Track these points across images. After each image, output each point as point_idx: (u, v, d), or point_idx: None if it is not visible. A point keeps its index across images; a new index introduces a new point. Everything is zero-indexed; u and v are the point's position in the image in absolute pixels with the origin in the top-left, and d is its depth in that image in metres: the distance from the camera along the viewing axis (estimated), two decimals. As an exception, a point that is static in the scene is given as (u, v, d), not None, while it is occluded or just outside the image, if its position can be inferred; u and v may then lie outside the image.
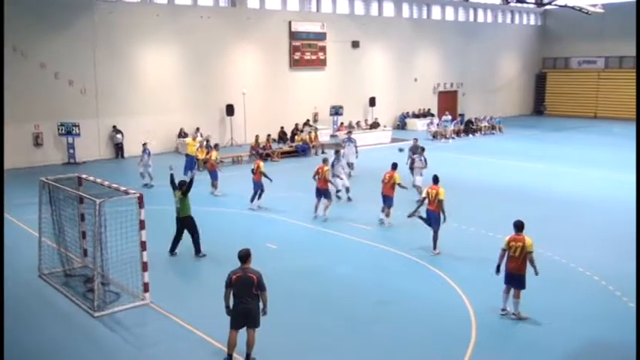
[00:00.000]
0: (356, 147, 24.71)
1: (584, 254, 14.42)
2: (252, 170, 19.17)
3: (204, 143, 26.85)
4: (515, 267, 10.72)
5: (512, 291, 10.87)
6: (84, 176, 13.34)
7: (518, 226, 10.78)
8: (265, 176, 18.91)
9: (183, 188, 14.03)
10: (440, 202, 14.11)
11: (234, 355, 9.17)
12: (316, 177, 17.77)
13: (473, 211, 18.40)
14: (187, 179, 15.03)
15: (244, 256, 8.93)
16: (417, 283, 12.72)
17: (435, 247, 14.35)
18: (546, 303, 11.44)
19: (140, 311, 11.34)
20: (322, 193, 17.63)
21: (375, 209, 17.78)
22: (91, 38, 29.05)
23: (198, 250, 14.07)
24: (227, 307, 9.00)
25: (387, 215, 16.98)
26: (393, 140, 35.24)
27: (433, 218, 14.28)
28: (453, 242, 15.73)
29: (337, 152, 20.62)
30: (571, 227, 17.19)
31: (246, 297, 8.81)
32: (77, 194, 12.71)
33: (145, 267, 11.53)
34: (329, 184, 17.70)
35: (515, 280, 10.78)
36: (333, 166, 19.29)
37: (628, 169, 26.00)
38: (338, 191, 19.79)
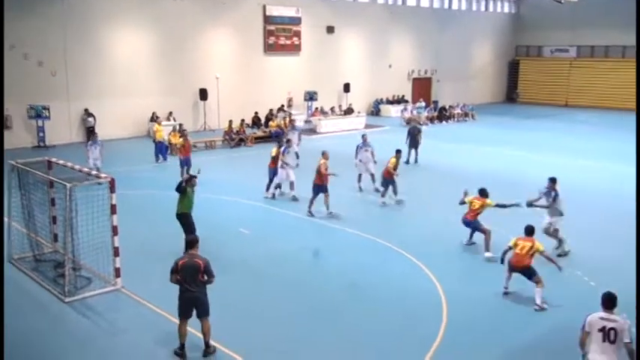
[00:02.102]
0: (300, 135, 25.18)
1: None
2: (272, 157, 18.45)
3: (177, 127, 26.60)
4: (519, 261, 10.94)
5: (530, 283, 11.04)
6: (54, 160, 13.13)
7: (529, 231, 11.09)
8: (285, 164, 18.23)
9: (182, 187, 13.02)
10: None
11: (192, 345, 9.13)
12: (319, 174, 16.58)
13: (445, 197, 18.56)
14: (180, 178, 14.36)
15: (191, 242, 8.92)
16: (389, 268, 12.83)
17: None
18: (520, 286, 11.58)
19: (111, 296, 11.28)
20: (320, 188, 16.56)
21: (346, 194, 17.91)
22: (62, 19, 28.49)
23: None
24: None
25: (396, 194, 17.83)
26: (367, 126, 35.36)
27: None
28: (426, 228, 15.90)
29: (288, 141, 19.60)
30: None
31: (192, 284, 8.69)
32: (47, 178, 12.52)
33: (116, 252, 11.44)
34: (328, 179, 16.55)
35: (522, 272, 11.03)
36: (283, 154, 18.35)
37: (598, 155, 26.50)
38: (277, 186, 18.51)
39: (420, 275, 12.42)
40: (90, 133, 29.58)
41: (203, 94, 33.24)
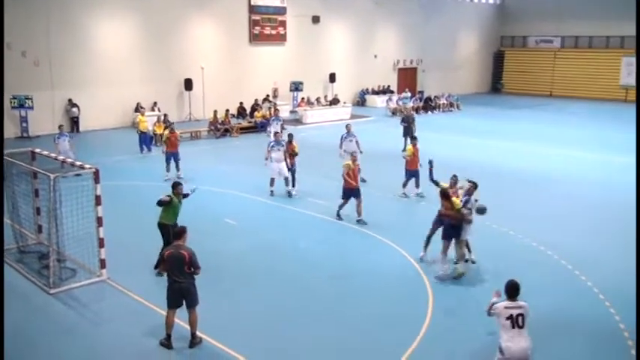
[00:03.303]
0: (282, 125, 24.65)
1: (534, 227, 14.83)
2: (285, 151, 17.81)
3: (162, 118, 26.48)
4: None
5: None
6: (38, 151, 13.06)
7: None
8: (294, 154, 17.80)
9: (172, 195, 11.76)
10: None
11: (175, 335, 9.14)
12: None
13: (428, 187, 18.65)
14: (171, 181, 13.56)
15: (177, 233, 8.96)
16: (375, 257, 12.92)
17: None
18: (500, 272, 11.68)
19: (96, 287, 11.28)
20: (353, 193, 15.34)
21: (331, 184, 17.99)
22: (45, 8, 28.13)
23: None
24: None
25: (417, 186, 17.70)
26: (353, 117, 35.39)
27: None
28: (408, 217, 16.01)
29: (276, 134, 18.83)
30: (526, 202, 17.62)
31: (178, 274, 8.75)
32: (30, 169, 12.49)
33: (101, 243, 11.44)
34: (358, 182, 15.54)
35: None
36: (272, 147, 17.70)
37: (582, 145, 26.76)
38: (271, 182, 17.88)
39: (402, 262, 12.52)
40: (74, 122, 29.55)
41: (188, 84, 33.09)
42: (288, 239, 14.14)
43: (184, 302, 8.92)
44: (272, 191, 17.85)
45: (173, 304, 8.91)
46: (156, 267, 11.43)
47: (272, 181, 17.89)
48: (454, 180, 12.47)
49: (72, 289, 11.13)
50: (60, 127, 22.38)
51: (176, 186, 11.64)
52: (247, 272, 12.13)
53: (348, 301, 10.83)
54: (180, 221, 11.12)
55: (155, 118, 27.23)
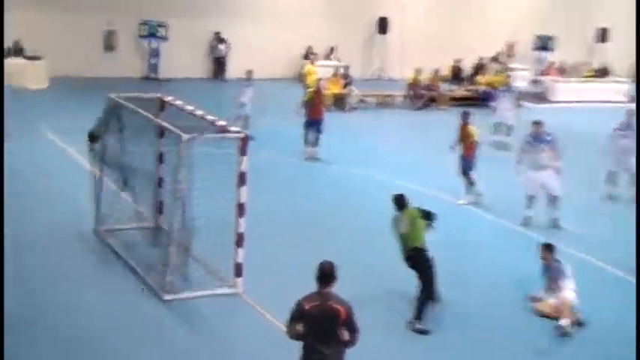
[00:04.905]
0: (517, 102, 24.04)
1: None
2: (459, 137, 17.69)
3: (340, 71, 26.90)
4: None
5: None
6: (169, 99, 13.43)
7: None
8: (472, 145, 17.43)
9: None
10: None
11: None
12: None
13: None
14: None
15: (325, 275, 7.92)
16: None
17: None
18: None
19: (226, 302, 11.47)
20: None
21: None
22: None
23: (417, 317, 11.48)
24: None
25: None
26: (633, 100, 33.43)
27: None
28: None
29: (537, 124, 16.91)
30: None
31: (324, 342, 7.83)
32: (157, 124, 12.81)
33: (239, 241, 11.65)
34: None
35: None
36: (528, 144, 16.33)
37: None
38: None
39: None
40: (219, 65, 30.90)
41: (382, 26, 33.36)
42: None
43: None
44: (529, 218, 16.49)
45: None
46: None
47: (529, 200, 16.50)
48: None
49: (192, 299, 11.41)
50: (249, 72, 23.30)
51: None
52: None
53: None
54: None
55: (330, 71, 27.77)
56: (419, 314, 11.17)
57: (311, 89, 21.50)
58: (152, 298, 11.49)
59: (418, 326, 11.06)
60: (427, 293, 11.43)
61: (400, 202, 11.79)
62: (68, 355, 9.70)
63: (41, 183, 16.64)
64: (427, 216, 11.92)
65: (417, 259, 11.56)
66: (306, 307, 7.83)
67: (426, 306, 11.28)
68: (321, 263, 7.95)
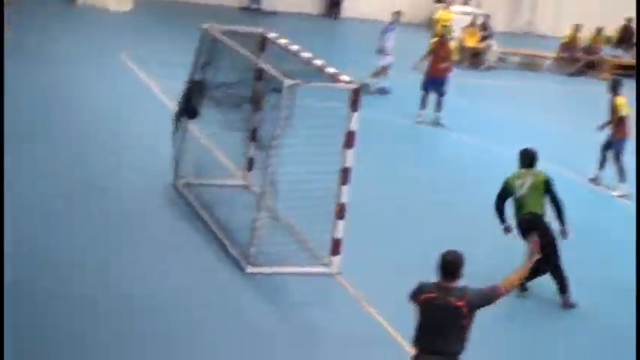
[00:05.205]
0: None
1: None
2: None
3: (480, 21, 25.75)
4: None
5: None
6: (272, 36, 13.22)
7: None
8: None
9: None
10: None
11: None
12: None
13: None
14: None
15: (451, 266, 7.80)
16: None
17: None
18: None
19: (318, 283, 11.35)
20: None
21: None
22: None
23: (563, 291, 12.08)
24: None
25: None
26: None
27: None
28: None
29: None
30: None
31: (437, 340, 7.77)
32: (255, 64, 12.61)
33: (340, 212, 11.34)
34: None
35: None
36: None
37: None
38: None
39: None
40: (334, 1, 30.33)
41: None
42: None
43: None
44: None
45: None
46: None
47: None
48: None
49: (279, 275, 11.26)
50: (396, 14, 22.61)
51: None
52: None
53: None
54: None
55: (467, 20, 26.75)
56: (564, 287, 11.47)
57: (434, 40, 20.13)
58: (232, 268, 11.36)
59: (570, 301, 11.38)
60: (555, 265, 11.50)
61: (527, 157, 11.81)
62: (142, 322, 9.64)
63: (114, 120, 16.76)
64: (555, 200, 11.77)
65: (538, 225, 11.43)
66: (421, 297, 7.81)
67: (563, 276, 11.46)
68: (446, 253, 7.78)
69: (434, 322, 7.74)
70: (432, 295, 7.67)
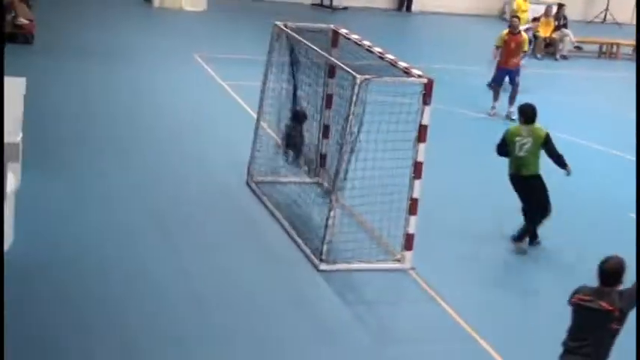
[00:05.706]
0: None
1: None
2: None
3: (554, 10, 25.34)
4: None
5: None
6: (343, 32, 13.13)
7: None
8: None
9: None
10: None
11: None
12: None
13: None
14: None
15: (610, 274, 7.72)
16: None
17: None
18: None
19: (391, 279, 11.28)
20: None
21: None
22: None
23: (531, 235, 12.81)
24: None
25: None
26: None
27: None
28: None
29: None
30: None
31: (586, 341, 7.73)
32: (327, 60, 12.64)
33: (413, 207, 11.28)
34: None
35: None
36: None
37: None
38: None
39: None
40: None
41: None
42: None
43: None
44: None
45: None
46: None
47: None
48: None
49: (352, 272, 11.24)
50: (557, 7, 23.33)
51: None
52: None
53: None
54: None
55: (541, 9, 26.36)
56: (523, 235, 12.34)
57: (506, 31, 19.79)
58: (305, 265, 11.41)
59: (521, 245, 12.23)
60: (541, 218, 12.46)
61: (527, 113, 12.22)
62: (208, 316, 9.78)
63: (189, 119, 16.93)
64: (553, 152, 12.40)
65: (534, 187, 12.35)
66: (574, 298, 7.89)
67: (536, 227, 12.47)
68: (607, 260, 7.80)
69: (583, 324, 7.79)
70: (586, 297, 7.70)
